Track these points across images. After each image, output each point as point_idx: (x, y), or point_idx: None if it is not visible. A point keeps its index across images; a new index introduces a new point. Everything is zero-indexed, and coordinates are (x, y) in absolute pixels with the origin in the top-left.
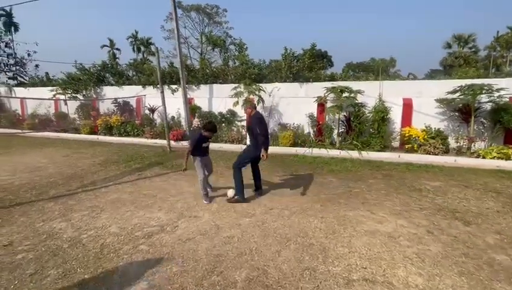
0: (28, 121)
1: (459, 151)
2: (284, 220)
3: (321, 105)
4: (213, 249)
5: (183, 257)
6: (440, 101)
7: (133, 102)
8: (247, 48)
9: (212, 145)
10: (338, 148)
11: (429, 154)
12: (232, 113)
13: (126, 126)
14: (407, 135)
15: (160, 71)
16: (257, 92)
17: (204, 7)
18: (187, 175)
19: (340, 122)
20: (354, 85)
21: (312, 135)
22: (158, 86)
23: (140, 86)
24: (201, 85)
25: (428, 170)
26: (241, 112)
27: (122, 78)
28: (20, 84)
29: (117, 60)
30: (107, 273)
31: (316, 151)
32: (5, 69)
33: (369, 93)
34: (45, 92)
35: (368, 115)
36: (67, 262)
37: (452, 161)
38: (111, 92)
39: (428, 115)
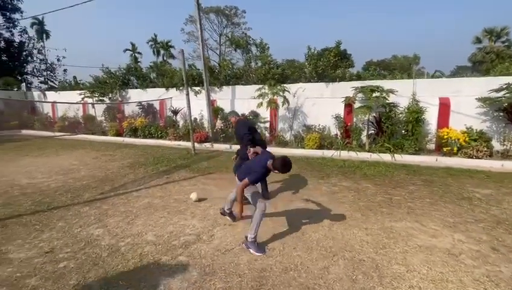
0: (58, 123)
1: (505, 155)
2: (325, 231)
3: (349, 105)
4: (255, 262)
5: (225, 271)
6: (482, 100)
7: (156, 104)
8: (268, 47)
9: (236, 148)
10: (368, 151)
11: (471, 157)
12: (255, 115)
13: (150, 128)
14: (445, 136)
15: (186, 73)
16: (281, 93)
17: (223, 9)
18: (215, 179)
19: (370, 123)
20: (385, 84)
21: (339, 137)
22: (181, 88)
23: (163, 89)
24: (224, 87)
25: (472, 176)
26: (264, 113)
27: (145, 81)
28: (51, 88)
29: (139, 63)
30: (150, 288)
31: (344, 154)
32: (37, 74)
33: (401, 92)
34: (75, 95)
35: (400, 115)
36: (108, 273)
37: (499, 165)
38: (135, 95)
39: (468, 116)
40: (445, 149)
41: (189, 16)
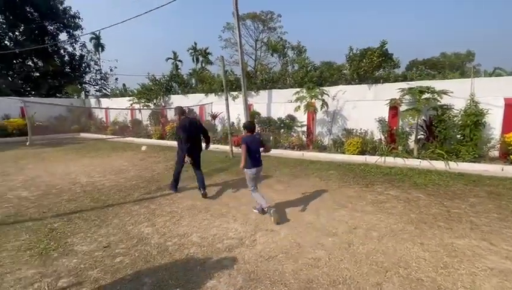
0: (110, 127)
1: None
2: (374, 244)
3: (394, 108)
4: (300, 272)
5: (270, 278)
6: None
7: (196, 109)
8: (306, 50)
9: (272, 152)
10: (417, 158)
11: None
12: (292, 118)
13: None
14: None
15: (225, 79)
16: (320, 96)
17: (259, 14)
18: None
19: (419, 127)
20: (436, 84)
21: (383, 142)
22: (219, 93)
23: (203, 94)
24: (260, 91)
25: None
26: (301, 117)
27: (186, 87)
28: (104, 96)
29: (179, 70)
30: None
31: (390, 160)
32: (94, 83)
33: (456, 93)
34: (124, 101)
35: (455, 118)
36: (158, 271)
37: None
38: (177, 100)
39: None
40: None
41: (226, 23)
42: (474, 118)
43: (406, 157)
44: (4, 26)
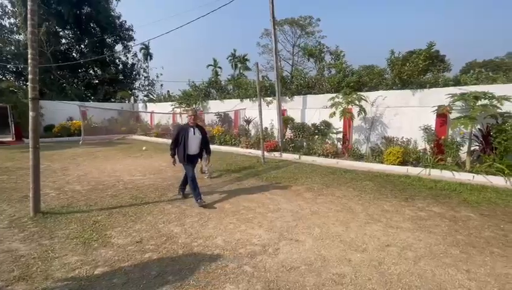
0: (154, 130)
1: None
2: (409, 265)
3: (442, 116)
4: (322, 287)
5: None
6: None
7: (232, 114)
8: (344, 55)
9: (305, 159)
10: (469, 171)
11: None
12: (327, 125)
13: (225, 136)
14: None
15: (259, 85)
16: (357, 102)
17: (297, 19)
18: (283, 189)
19: (473, 137)
20: (496, 89)
21: (429, 152)
22: (254, 98)
23: (238, 100)
24: (295, 96)
25: None
26: (337, 124)
27: (223, 93)
28: (151, 101)
29: (219, 76)
30: None
31: (436, 173)
32: (142, 89)
33: None
34: (167, 106)
35: None
36: (182, 271)
37: None
38: (214, 105)
39: None
40: None
41: (264, 29)
42: None
43: (456, 171)
44: (73, 40)
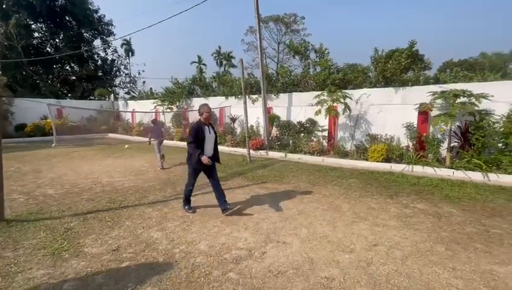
0: (135, 128)
1: None
2: (396, 265)
3: (424, 113)
4: None
5: None
6: None
7: (216, 112)
8: (328, 52)
9: (291, 156)
10: (450, 167)
11: None
12: (312, 122)
13: None
14: None
15: (244, 82)
16: (342, 100)
17: (282, 17)
18: (269, 189)
19: (452, 134)
20: (474, 87)
21: (411, 149)
22: (239, 96)
23: (223, 97)
24: (280, 94)
25: None
26: (322, 121)
27: (208, 90)
28: (132, 98)
29: (203, 74)
30: None
31: (418, 170)
32: (123, 86)
33: (498, 97)
34: (149, 104)
35: (496, 125)
36: (162, 281)
37: None
38: (198, 103)
39: None
40: None
41: (249, 27)
42: None
43: (437, 167)
44: (46, 34)
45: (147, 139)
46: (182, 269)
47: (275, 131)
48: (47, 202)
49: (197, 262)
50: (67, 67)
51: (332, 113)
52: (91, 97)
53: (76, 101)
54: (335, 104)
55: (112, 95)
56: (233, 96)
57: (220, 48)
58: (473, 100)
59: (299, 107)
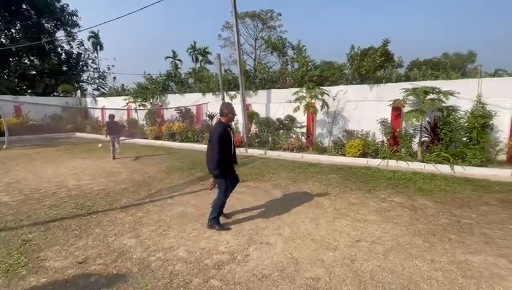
0: (105, 127)
1: None
2: (379, 260)
3: (397, 109)
4: None
5: None
6: None
7: (193, 109)
8: (306, 49)
9: (270, 153)
10: (421, 161)
11: None
12: (291, 119)
13: (187, 132)
14: None
15: (222, 78)
16: (320, 96)
17: (259, 13)
18: (250, 188)
19: (423, 129)
20: (441, 85)
21: (386, 144)
22: (217, 92)
23: (200, 94)
24: (259, 90)
25: None
26: (301, 118)
27: (184, 86)
28: (101, 95)
29: (179, 69)
30: None
31: (393, 164)
32: (91, 82)
33: (462, 94)
34: (120, 100)
35: (461, 120)
36: None
37: None
38: (174, 100)
39: None
40: None
41: (225, 22)
42: (482, 120)
43: (410, 161)
44: (0, 23)
45: (121, 138)
46: (159, 279)
47: (254, 128)
48: (1, 211)
49: (175, 270)
50: (26, 61)
51: (310, 109)
52: (55, 93)
53: (38, 97)
54: (313, 100)
55: (79, 91)
56: (211, 93)
57: (195, 43)
58: (441, 97)
59: (278, 103)
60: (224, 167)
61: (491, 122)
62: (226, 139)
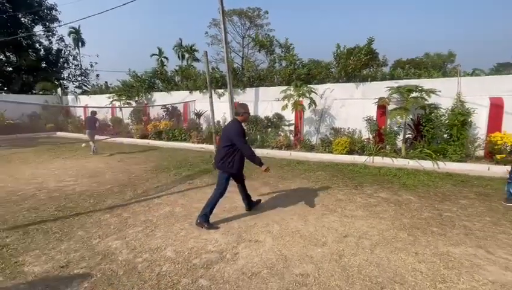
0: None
1: None
2: (366, 255)
3: (382, 107)
4: None
5: None
6: None
7: (180, 107)
8: (293, 48)
9: (259, 152)
10: (405, 157)
11: None
12: (279, 117)
13: (174, 131)
14: (499, 142)
15: (209, 75)
16: (308, 94)
17: (246, 11)
18: (238, 186)
19: (407, 126)
20: (424, 83)
21: (371, 141)
22: (204, 90)
23: (187, 91)
24: (247, 88)
25: None
26: (289, 116)
27: (170, 84)
28: (84, 93)
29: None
30: None
31: (378, 161)
32: (73, 80)
33: (443, 92)
34: (104, 98)
35: (442, 118)
36: None
37: None
38: (160, 98)
39: None
40: (498, 156)
41: (212, 19)
42: (461, 117)
43: (395, 157)
44: None
45: (103, 137)
46: (146, 280)
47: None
48: None
49: (163, 271)
50: (2, 57)
51: (298, 107)
52: (33, 91)
53: (15, 95)
54: (301, 98)
55: (60, 89)
56: (198, 91)
57: (181, 40)
58: (424, 95)
59: (266, 102)
60: (236, 164)
61: (469, 119)
62: (244, 134)
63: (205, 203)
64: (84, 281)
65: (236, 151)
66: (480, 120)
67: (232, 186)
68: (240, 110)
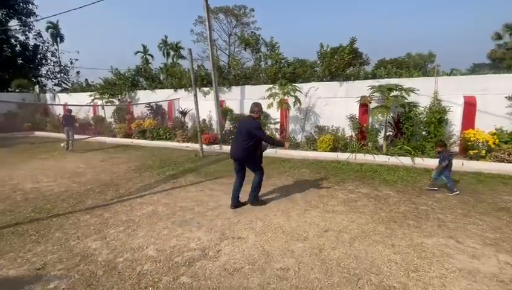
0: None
1: None
2: (345, 248)
3: (364, 105)
4: (267, 286)
5: None
6: None
7: (165, 105)
8: (279, 46)
9: None
10: (386, 154)
11: (502, 161)
12: (265, 116)
13: (159, 130)
14: (472, 138)
15: (194, 73)
16: (292, 93)
17: (232, 8)
18: (223, 184)
19: (388, 124)
20: (404, 82)
21: (354, 139)
22: (189, 88)
23: (172, 90)
24: (233, 87)
25: (506, 182)
26: (275, 114)
27: (154, 82)
28: (64, 90)
29: (150, 64)
30: None
31: (360, 157)
32: (52, 77)
33: (422, 91)
34: (85, 97)
35: (421, 116)
36: None
37: None
38: (144, 96)
39: (498, 116)
40: (471, 152)
41: (198, 16)
42: (438, 115)
43: (376, 154)
44: None
45: (85, 136)
46: (126, 280)
47: (228, 125)
48: None
49: (144, 270)
50: None
51: (283, 106)
52: (9, 89)
53: None
54: (286, 97)
55: (37, 86)
56: (183, 89)
57: (166, 37)
58: (404, 93)
59: (252, 100)
60: (257, 155)
61: (446, 117)
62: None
63: (251, 189)
64: (61, 283)
65: (254, 142)
66: (455, 118)
67: (216, 184)
68: (254, 108)
